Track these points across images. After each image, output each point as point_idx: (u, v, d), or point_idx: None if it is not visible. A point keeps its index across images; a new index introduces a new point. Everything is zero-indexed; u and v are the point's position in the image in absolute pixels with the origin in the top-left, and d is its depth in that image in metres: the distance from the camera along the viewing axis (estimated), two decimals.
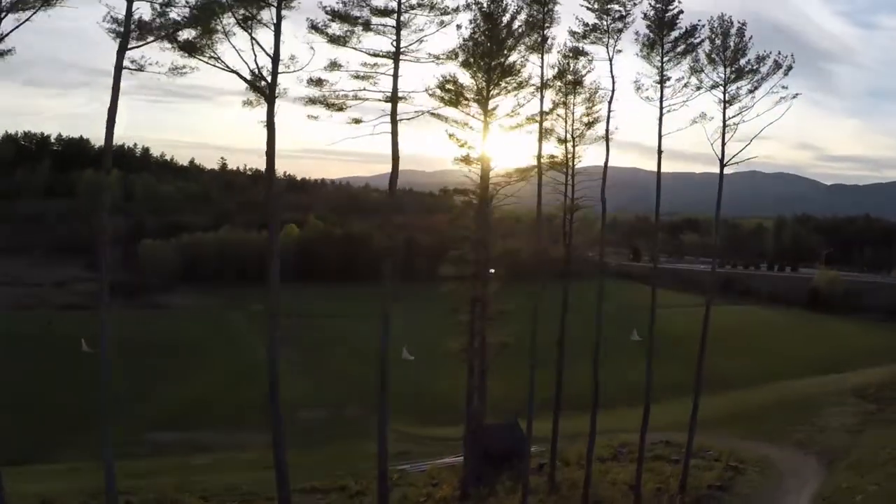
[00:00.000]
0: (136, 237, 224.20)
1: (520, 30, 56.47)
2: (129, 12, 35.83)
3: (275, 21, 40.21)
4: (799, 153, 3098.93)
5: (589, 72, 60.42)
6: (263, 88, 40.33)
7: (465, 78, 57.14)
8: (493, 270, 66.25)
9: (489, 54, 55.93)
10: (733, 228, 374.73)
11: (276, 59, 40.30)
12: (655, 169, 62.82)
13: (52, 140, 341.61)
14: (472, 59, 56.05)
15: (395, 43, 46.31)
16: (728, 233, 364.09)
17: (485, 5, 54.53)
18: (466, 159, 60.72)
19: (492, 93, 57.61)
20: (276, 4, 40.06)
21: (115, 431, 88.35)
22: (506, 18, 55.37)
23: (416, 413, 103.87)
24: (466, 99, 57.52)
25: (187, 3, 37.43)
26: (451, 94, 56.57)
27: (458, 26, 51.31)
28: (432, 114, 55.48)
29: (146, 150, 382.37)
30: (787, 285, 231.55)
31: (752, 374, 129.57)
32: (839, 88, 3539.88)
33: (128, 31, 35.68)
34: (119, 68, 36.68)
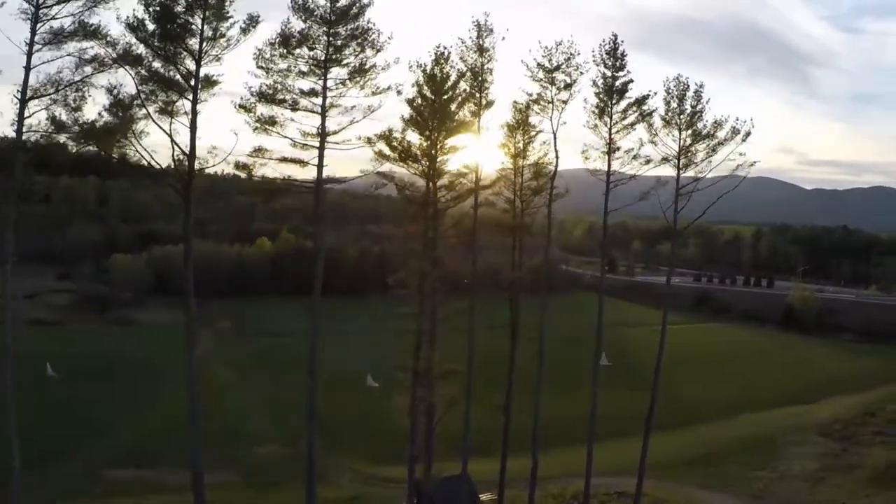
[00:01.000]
0: (110, 247, 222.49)
1: (462, 94, 55.75)
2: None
3: (190, 116, 39.39)
4: (780, 157, 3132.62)
5: (539, 132, 59.84)
6: (179, 188, 39.53)
7: (412, 136, 56.29)
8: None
9: (434, 113, 54.95)
10: (711, 237, 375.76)
11: (192, 156, 39.39)
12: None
13: (28, 144, 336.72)
14: (417, 118, 55.22)
15: (320, 129, 45.33)
16: (705, 242, 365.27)
17: (428, 68, 53.62)
18: (414, 218, 59.94)
19: (438, 154, 56.61)
20: (191, 98, 39.17)
21: (72, 467, 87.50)
22: (451, 80, 54.55)
23: (375, 448, 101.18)
24: (415, 156, 56.47)
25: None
26: (399, 151, 55.51)
27: (399, 92, 50.20)
28: (379, 173, 54.62)
29: (123, 155, 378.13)
30: (761, 302, 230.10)
31: (720, 403, 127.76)
32: (822, 92, 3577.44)
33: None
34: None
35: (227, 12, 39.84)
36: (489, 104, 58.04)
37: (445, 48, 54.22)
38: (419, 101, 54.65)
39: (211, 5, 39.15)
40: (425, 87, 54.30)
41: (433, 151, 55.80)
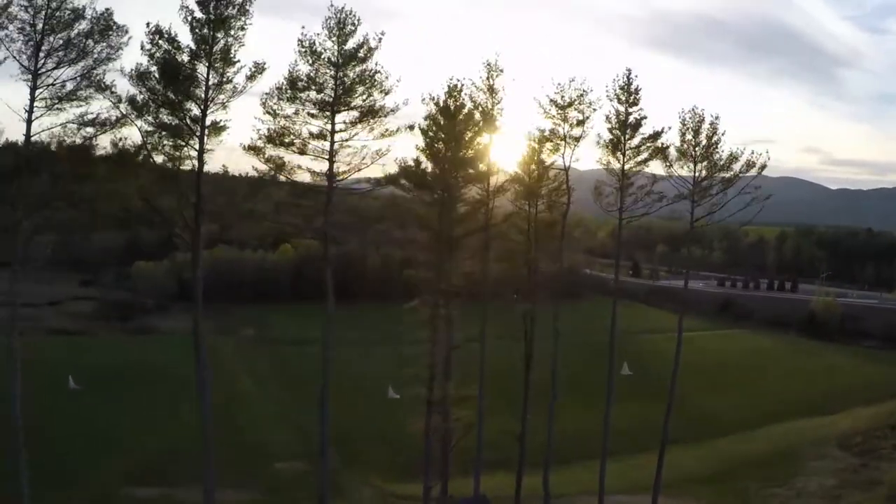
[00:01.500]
0: (133, 253, 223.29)
1: (475, 127, 56.16)
2: None
3: (197, 164, 39.80)
4: (805, 157, 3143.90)
5: (553, 163, 60.11)
6: (187, 237, 39.99)
7: (426, 165, 56.79)
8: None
9: (448, 144, 55.37)
10: (735, 240, 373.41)
11: (198, 205, 39.66)
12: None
13: (53, 149, 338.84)
14: (431, 147, 55.71)
15: (328, 173, 45.64)
16: (729, 245, 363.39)
17: (441, 100, 54.06)
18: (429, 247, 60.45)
19: (452, 184, 57.05)
20: (198, 148, 39.55)
21: (93, 484, 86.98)
22: (463, 112, 55.06)
23: (396, 463, 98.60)
24: (430, 185, 57.00)
25: None
26: (414, 181, 56.10)
27: (411, 128, 50.56)
28: (394, 205, 55.45)
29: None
30: (785, 308, 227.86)
31: (741, 415, 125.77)
32: (847, 92, 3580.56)
33: None
34: None
35: (234, 58, 40.26)
36: (500, 137, 58.57)
37: (458, 80, 54.81)
38: (433, 131, 55.11)
39: (215, 53, 39.59)
40: (440, 117, 54.77)
41: (447, 181, 56.24)
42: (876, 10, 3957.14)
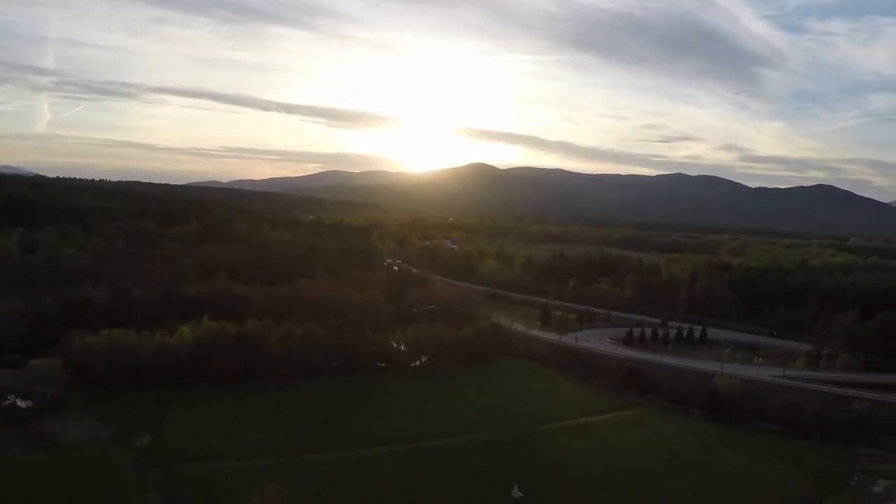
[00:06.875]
0: (38, 325, 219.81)
1: None
2: None
3: None
4: (724, 154, 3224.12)
5: None
6: None
7: None
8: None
9: None
10: (648, 276, 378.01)
11: None
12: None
13: None
14: None
15: None
16: (641, 282, 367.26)
17: None
18: None
19: None
20: None
21: None
22: None
23: None
24: None
25: None
26: None
27: None
28: None
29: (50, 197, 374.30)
30: (688, 382, 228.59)
31: None
32: (766, 91, 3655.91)
33: None
34: None
35: None
36: None
37: None
38: None
39: None
40: None
41: None
42: (796, 10, 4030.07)
